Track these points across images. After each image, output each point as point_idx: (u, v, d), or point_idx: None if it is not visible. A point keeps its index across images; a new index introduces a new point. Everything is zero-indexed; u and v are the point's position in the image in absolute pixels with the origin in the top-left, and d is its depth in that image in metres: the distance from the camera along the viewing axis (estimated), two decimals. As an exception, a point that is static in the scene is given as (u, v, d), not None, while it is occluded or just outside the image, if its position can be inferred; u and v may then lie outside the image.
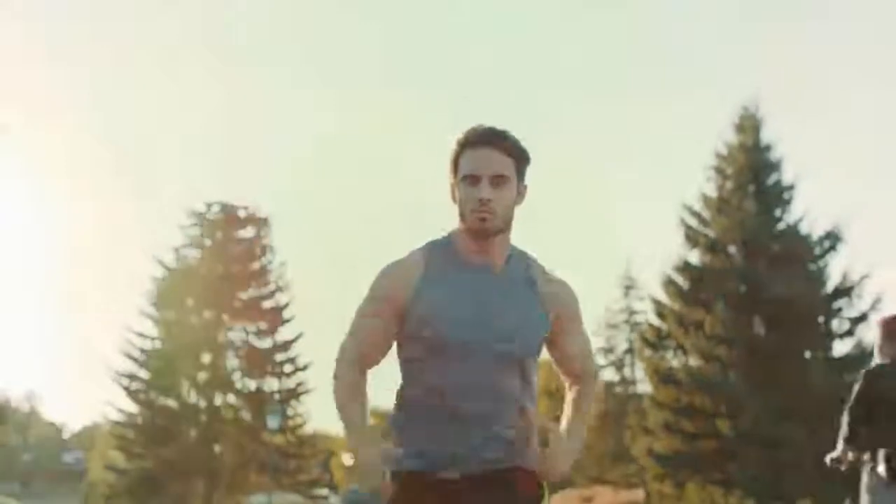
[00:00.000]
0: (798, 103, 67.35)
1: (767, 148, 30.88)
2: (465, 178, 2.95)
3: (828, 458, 6.38)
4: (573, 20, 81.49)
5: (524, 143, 3.03)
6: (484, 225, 2.93)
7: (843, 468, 6.22)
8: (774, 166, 30.99)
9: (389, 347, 3.03)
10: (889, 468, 5.89)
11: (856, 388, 6.17)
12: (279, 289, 39.06)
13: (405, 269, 3.00)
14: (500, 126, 3.03)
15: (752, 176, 30.41)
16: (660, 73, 76.24)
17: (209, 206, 39.08)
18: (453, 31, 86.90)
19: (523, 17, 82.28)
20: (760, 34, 72.71)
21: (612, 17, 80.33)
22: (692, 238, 30.78)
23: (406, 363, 3.01)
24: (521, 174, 3.01)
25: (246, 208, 39.35)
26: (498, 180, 2.94)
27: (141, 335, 37.84)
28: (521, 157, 3.01)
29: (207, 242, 38.86)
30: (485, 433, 2.95)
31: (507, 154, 2.97)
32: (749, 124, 31.15)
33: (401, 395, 3.04)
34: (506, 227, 2.99)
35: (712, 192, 31.20)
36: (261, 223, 39.32)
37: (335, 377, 3.04)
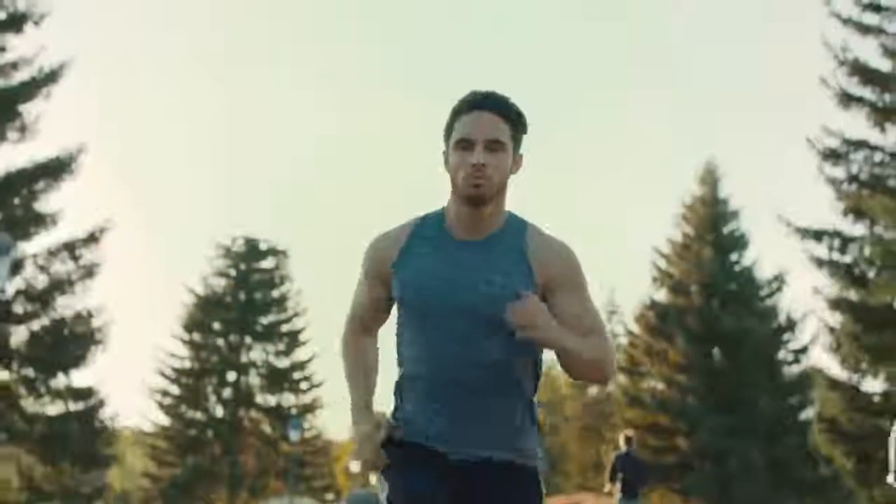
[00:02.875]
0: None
1: (724, 201, 37.32)
2: (459, 143, 2.95)
3: (605, 489, 13.80)
4: (575, 22, 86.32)
5: (522, 110, 3.01)
6: (477, 192, 2.92)
7: (613, 495, 13.67)
8: (732, 215, 37.39)
9: (383, 312, 3.21)
10: (622, 489, 13.19)
11: (612, 461, 13.33)
12: (296, 314, 45.15)
13: (389, 239, 3.10)
14: (498, 91, 3.01)
15: (710, 226, 36.84)
16: (659, 79, 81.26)
17: (234, 239, 45.34)
18: (454, 32, 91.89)
19: (524, 18, 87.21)
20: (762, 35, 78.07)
21: (612, 22, 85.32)
22: (659, 279, 37.26)
23: (396, 332, 3.14)
24: (517, 142, 3.00)
25: (266, 241, 45.66)
26: (493, 145, 2.93)
27: (172, 355, 43.96)
28: (518, 124, 3.00)
29: (232, 272, 45.05)
30: (467, 405, 2.98)
31: (503, 119, 2.96)
32: (709, 179, 37.59)
33: (397, 363, 3.14)
34: (499, 195, 2.98)
35: (677, 237, 37.70)
36: (280, 255, 45.65)
37: (341, 342, 3.31)
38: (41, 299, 22.62)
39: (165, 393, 43.34)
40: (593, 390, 48.26)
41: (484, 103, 2.95)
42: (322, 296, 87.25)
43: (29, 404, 22.91)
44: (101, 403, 24.05)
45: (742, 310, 35.56)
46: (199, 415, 43.50)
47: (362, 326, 3.24)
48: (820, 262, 21.88)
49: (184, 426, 43.35)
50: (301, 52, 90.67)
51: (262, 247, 45.40)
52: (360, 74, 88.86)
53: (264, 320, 44.65)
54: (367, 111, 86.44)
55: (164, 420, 43.55)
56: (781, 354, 36.34)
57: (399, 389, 3.13)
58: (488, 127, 2.93)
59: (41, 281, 22.51)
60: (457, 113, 2.98)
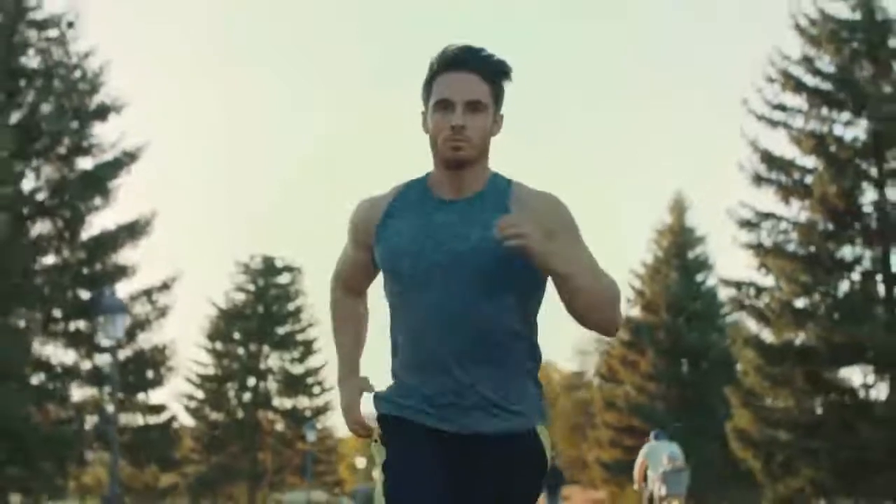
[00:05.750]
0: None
1: (691, 230, 44.79)
2: (438, 104, 2.99)
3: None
4: (573, 23, 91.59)
5: (505, 64, 3.05)
6: (457, 154, 2.97)
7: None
8: (698, 241, 44.86)
9: (369, 276, 3.29)
10: (546, 492, 20.56)
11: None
12: (310, 325, 52.13)
13: (373, 203, 3.17)
14: (476, 45, 3.04)
15: (677, 251, 44.33)
16: (658, 79, 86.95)
17: (252, 257, 52.59)
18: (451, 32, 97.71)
19: (522, 19, 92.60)
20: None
21: (610, 24, 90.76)
22: (633, 299, 44.81)
23: (387, 300, 3.15)
24: (498, 101, 3.05)
25: (282, 259, 52.87)
26: (473, 106, 2.97)
27: (198, 363, 50.93)
28: (499, 82, 3.04)
29: (251, 287, 52.22)
30: (466, 371, 2.98)
31: (483, 79, 3.00)
32: (678, 209, 45.07)
33: (390, 336, 3.16)
34: (481, 157, 3.02)
35: (650, 260, 45.20)
36: (295, 271, 52.88)
37: (331, 299, 3.40)
38: (126, 334, 30.06)
39: (191, 397, 49.62)
40: (580, 393, 55.68)
41: (464, 62, 2.99)
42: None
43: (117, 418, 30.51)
44: (173, 418, 31.71)
45: (705, 326, 43.07)
46: (221, 416, 49.98)
47: (347, 287, 3.33)
48: (742, 306, 29.31)
49: (208, 427, 49.70)
50: (311, 55, 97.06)
51: (279, 264, 52.49)
52: (361, 74, 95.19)
53: (281, 330, 51.30)
54: (368, 110, 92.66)
55: (190, 421, 50.44)
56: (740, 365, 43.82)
57: (393, 364, 3.16)
58: (468, 87, 2.97)
59: (126, 320, 29.95)
60: (435, 72, 3.02)
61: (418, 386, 3.04)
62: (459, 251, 2.98)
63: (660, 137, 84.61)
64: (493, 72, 3.03)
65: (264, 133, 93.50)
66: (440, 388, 3.00)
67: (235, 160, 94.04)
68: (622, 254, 77.45)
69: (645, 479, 17.42)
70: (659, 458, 17.07)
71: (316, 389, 51.71)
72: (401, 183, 3.17)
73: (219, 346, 51.14)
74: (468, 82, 2.98)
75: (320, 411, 51.64)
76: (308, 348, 51.78)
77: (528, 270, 2.96)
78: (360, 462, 68.08)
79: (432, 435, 3.01)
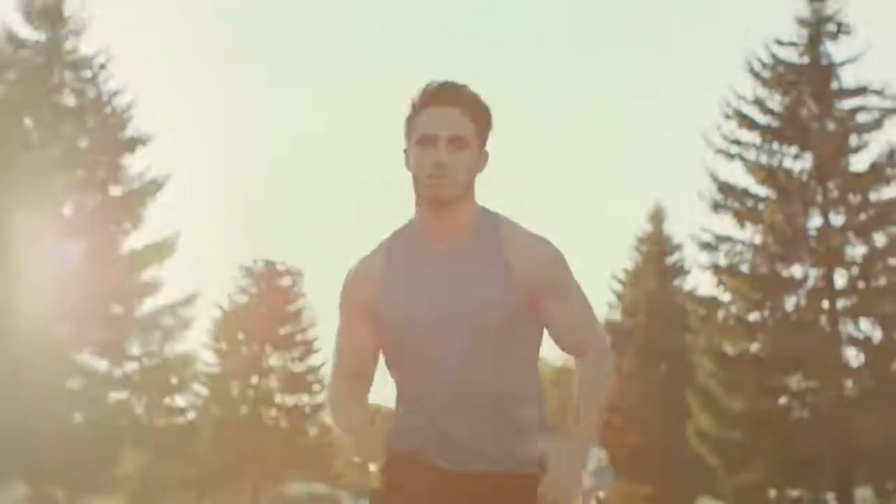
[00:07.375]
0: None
1: (668, 238, 49.29)
2: (420, 140, 2.99)
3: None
4: (566, 18, 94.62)
5: (487, 103, 3.05)
6: (439, 192, 2.99)
7: None
8: (675, 248, 49.36)
9: (377, 356, 3.21)
10: None
11: None
12: (310, 325, 56.18)
13: (366, 272, 3.15)
14: (459, 81, 3.05)
15: (655, 259, 48.86)
16: (656, 69, 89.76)
17: (255, 261, 56.73)
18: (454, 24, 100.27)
19: (524, 9, 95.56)
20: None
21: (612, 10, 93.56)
22: (616, 303, 49.37)
23: (387, 366, 3.22)
24: (482, 138, 3.06)
25: (284, 263, 57.02)
26: (456, 142, 2.98)
27: (204, 363, 54.84)
28: (482, 119, 3.05)
29: (254, 290, 56.22)
30: (469, 432, 3.05)
31: (467, 114, 3.01)
32: (657, 218, 49.61)
33: (396, 394, 3.23)
34: (465, 194, 3.04)
35: (630, 266, 49.74)
36: (295, 274, 57.03)
37: (328, 401, 3.30)
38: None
39: (196, 394, 54.14)
40: (566, 389, 60.22)
41: (446, 97, 3.00)
42: (331, 309, 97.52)
43: (145, 418, 35.10)
44: (194, 419, 36.28)
45: (679, 330, 47.57)
46: (226, 413, 53.65)
47: (353, 373, 3.22)
48: (704, 319, 33.86)
49: (213, 423, 52.70)
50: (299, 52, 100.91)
51: (280, 268, 56.71)
52: (361, 79, 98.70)
53: (282, 331, 54.87)
54: (370, 115, 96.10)
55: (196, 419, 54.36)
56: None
57: (395, 416, 3.22)
58: (451, 122, 2.97)
59: (151, 331, 34.53)
60: (417, 107, 3.02)
61: (424, 434, 3.13)
62: (459, 313, 3.03)
63: (647, 147, 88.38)
64: (479, 108, 3.06)
65: (263, 138, 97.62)
66: (442, 451, 3.09)
67: (235, 167, 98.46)
68: (610, 258, 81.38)
69: None
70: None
71: (316, 387, 55.55)
72: (385, 238, 3.20)
73: (223, 345, 54.81)
74: (451, 117, 3.00)
75: (319, 408, 55.48)
76: (308, 348, 55.20)
77: (528, 325, 3.10)
78: (357, 458, 72.04)
79: (433, 475, 3.10)
